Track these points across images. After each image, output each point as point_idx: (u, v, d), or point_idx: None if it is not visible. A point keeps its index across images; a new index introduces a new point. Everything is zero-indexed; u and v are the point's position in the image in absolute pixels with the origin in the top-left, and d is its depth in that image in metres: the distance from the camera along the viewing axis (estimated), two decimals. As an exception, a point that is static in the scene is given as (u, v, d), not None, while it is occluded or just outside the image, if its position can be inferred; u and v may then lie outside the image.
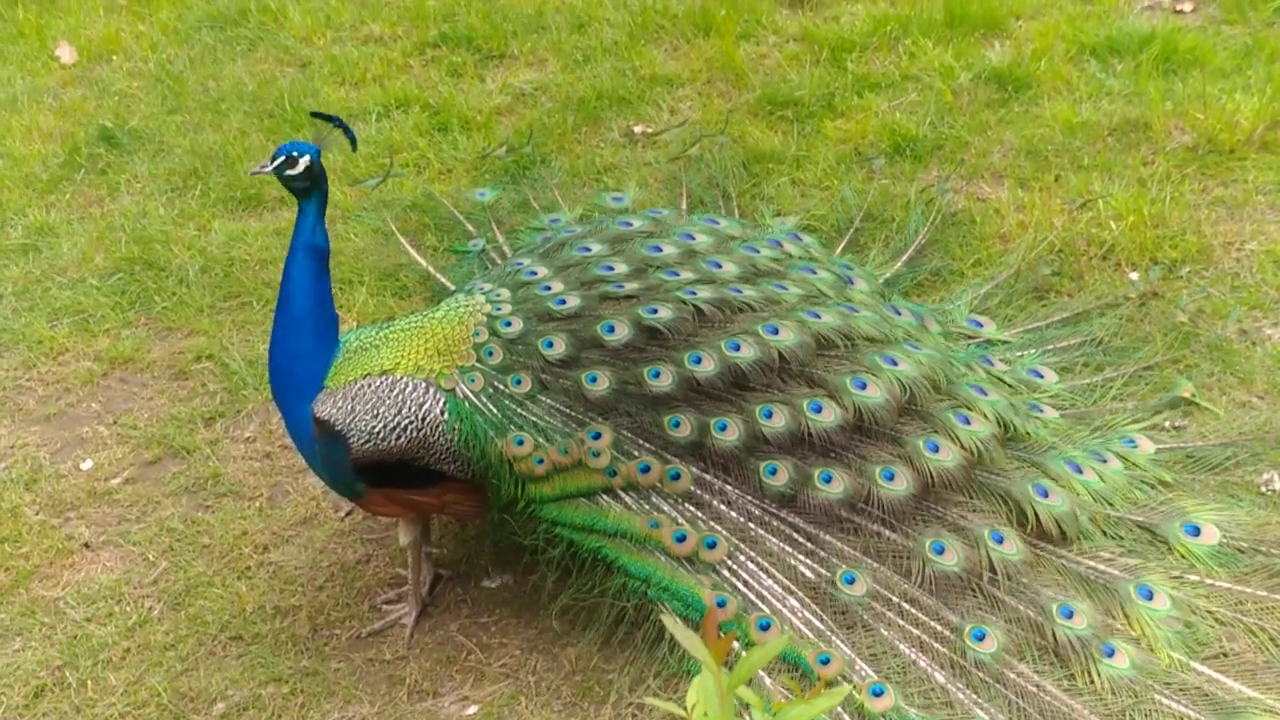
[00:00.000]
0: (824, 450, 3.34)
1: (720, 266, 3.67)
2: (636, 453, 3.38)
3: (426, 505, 3.60)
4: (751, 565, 3.29)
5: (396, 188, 5.67)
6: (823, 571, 3.26)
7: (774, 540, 3.32)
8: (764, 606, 3.24)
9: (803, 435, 3.32)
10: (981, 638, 3.14)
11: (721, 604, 3.23)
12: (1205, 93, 5.39)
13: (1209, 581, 3.28)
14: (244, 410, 4.62)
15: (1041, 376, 3.96)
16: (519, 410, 3.43)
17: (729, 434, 3.34)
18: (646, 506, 3.35)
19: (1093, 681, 3.07)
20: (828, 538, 3.30)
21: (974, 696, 3.08)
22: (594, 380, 3.42)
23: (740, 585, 3.27)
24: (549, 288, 3.63)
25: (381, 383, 3.43)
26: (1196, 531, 3.37)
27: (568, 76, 6.49)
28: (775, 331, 3.41)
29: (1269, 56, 5.59)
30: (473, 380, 3.45)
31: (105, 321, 5.18)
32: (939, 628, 3.18)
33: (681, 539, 3.31)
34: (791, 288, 3.63)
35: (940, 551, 3.23)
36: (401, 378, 3.44)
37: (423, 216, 5.31)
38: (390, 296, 5.02)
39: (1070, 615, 3.16)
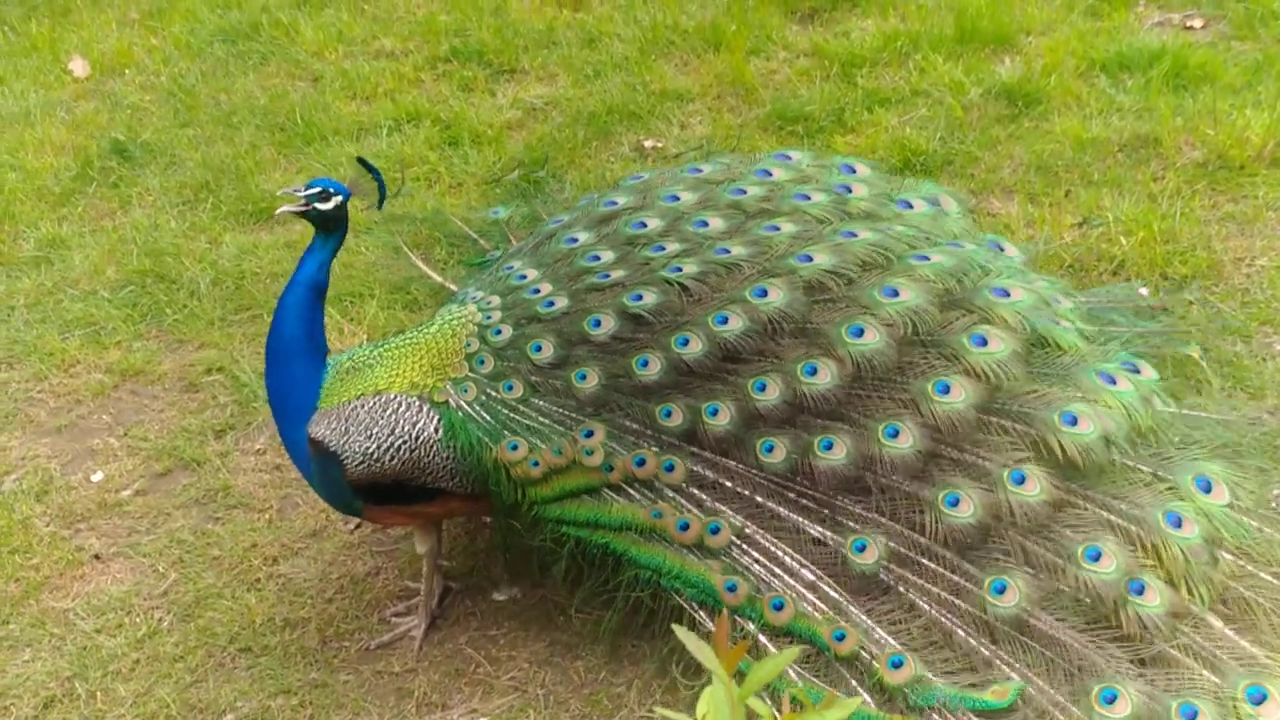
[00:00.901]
0: (824, 412, 3.23)
1: (706, 224, 3.62)
2: (630, 447, 3.34)
3: (431, 514, 3.61)
4: (762, 541, 3.22)
5: (407, 202, 5.69)
6: (836, 538, 3.17)
7: (784, 510, 3.24)
8: (776, 585, 3.17)
9: (800, 403, 3.23)
10: (1003, 590, 3.00)
11: (731, 589, 3.17)
12: (1216, 109, 5.40)
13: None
14: (254, 422, 4.63)
15: (1059, 302, 3.66)
16: (512, 415, 3.43)
17: (720, 418, 3.28)
18: (649, 497, 3.32)
19: (1122, 625, 2.92)
20: (840, 502, 3.20)
21: (999, 652, 2.95)
22: (583, 378, 3.41)
23: (752, 564, 3.22)
24: (538, 290, 3.62)
25: (375, 402, 3.43)
26: (1208, 487, 3.14)
27: (578, 91, 6.52)
28: (764, 294, 3.34)
29: (1279, 73, 5.60)
30: (465, 390, 3.46)
31: (116, 334, 5.20)
32: (959, 580, 3.05)
33: (685, 527, 3.26)
34: (784, 225, 3.55)
35: (954, 504, 3.08)
36: (395, 396, 3.44)
37: (433, 231, 5.33)
38: (401, 309, 5.03)
39: (1097, 558, 2.98)
